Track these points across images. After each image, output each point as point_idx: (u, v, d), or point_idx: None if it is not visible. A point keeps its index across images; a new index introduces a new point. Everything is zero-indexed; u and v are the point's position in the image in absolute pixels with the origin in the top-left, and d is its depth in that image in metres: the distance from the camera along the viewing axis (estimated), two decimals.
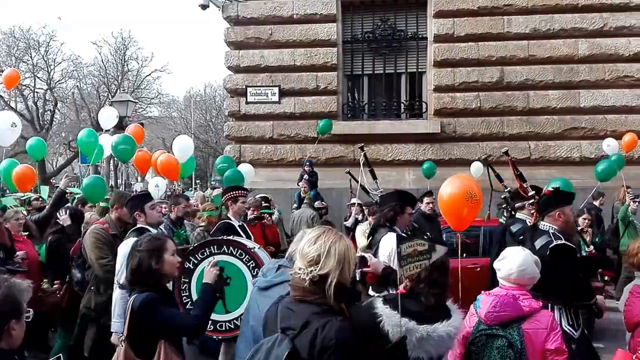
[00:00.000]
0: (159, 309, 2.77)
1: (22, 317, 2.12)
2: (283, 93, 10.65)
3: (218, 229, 4.87)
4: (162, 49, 73.61)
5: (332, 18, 10.63)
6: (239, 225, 4.97)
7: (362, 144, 6.74)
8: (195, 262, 4.00)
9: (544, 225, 3.81)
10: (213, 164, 23.78)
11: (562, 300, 3.54)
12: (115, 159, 10.03)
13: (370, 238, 4.41)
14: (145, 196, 4.57)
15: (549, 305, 3.47)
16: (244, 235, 4.75)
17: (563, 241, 3.63)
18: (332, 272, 2.16)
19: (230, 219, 4.97)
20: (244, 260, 3.94)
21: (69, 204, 6.29)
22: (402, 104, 10.85)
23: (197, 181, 40.40)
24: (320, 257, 2.17)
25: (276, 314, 2.22)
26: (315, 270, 2.15)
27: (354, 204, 8.21)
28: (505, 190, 5.51)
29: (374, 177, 5.86)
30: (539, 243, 3.68)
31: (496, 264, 3.01)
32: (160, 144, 37.61)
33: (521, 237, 4.26)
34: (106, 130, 8.43)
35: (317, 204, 8.69)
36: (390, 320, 2.30)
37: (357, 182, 6.65)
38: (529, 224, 4.44)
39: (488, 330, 2.83)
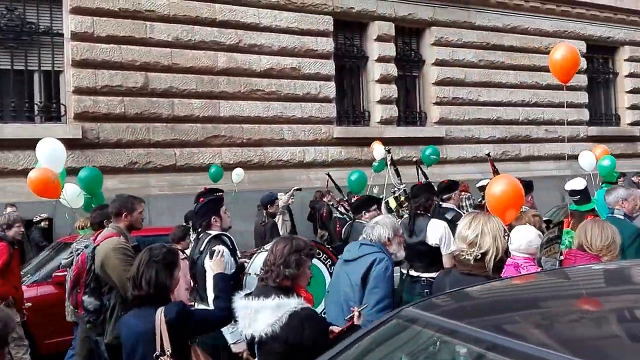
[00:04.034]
0: (191, 313, 2.84)
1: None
2: None
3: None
4: None
5: None
6: None
7: (389, 148, 7.32)
8: None
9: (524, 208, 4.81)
10: None
11: None
12: None
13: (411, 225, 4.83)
14: (220, 199, 4.22)
15: None
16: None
17: None
18: (491, 248, 2.67)
19: None
20: (321, 259, 4.50)
21: None
22: (36, 106, 9.67)
23: None
24: (478, 238, 2.69)
25: (445, 284, 2.84)
26: (476, 250, 2.68)
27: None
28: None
29: (398, 175, 6.62)
30: None
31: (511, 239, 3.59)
32: None
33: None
34: None
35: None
36: None
37: (335, 183, 7.50)
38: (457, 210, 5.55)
39: None
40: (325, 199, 10.68)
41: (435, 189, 5.61)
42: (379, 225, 3.59)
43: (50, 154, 5.47)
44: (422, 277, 4.63)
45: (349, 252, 3.62)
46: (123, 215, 4.15)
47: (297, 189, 9.28)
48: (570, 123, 14.45)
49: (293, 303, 2.58)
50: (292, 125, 11.30)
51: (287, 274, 2.69)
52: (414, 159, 6.98)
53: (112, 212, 4.28)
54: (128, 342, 2.81)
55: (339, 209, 9.20)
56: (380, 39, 12.23)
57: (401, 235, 3.75)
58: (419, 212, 4.92)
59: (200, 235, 4.07)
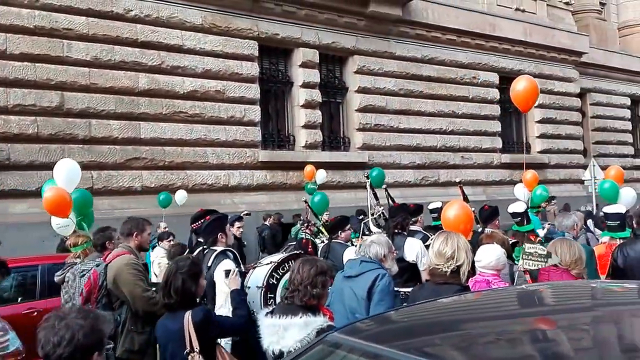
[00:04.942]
0: (215, 318, 3.26)
1: (104, 350, 2.16)
2: None
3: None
4: None
5: None
6: None
7: (367, 173, 7.97)
8: (278, 277, 4.29)
9: (488, 231, 5.40)
10: None
11: None
12: None
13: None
14: (226, 217, 4.52)
15: None
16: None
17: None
18: (465, 261, 3.06)
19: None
20: None
21: None
22: None
23: None
24: (455, 253, 3.04)
25: (420, 296, 3.09)
26: (453, 263, 3.02)
27: None
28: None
29: (377, 199, 7.02)
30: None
31: (477, 257, 3.77)
32: None
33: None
34: None
35: None
36: None
37: (311, 208, 7.76)
38: (424, 232, 5.91)
39: None
40: (267, 222, 10.73)
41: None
42: (375, 244, 3.90)
43: (67, 175, 5.60)
44: (400, 292, 4.79)
45: (351, 268, 3.90)
46: (134, 235, 4.44)
47: (247, 214, 9.27)
48: (484, 150, 15.25)
49: (319, 321, 2.86)
50: (216, 149, 11.20)
51: (314, 294, 2.98)
52: (366, 177, 7.73)
53: (123, 233, 4.55)
54: (161, 341, 3.26)
55: (305, 231, 9.47)
56: (304, 65, 12.44)
57: (394, 252, 4.10)
58: (396, 231, 5.33)
59: (206, 251, 4.25)
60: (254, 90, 11.75)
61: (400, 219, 5.43)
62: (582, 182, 15.83)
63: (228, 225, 4.46)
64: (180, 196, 9.93)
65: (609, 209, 5.52)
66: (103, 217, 9.15)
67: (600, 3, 21.09)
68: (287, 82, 12.58)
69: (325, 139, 12.88)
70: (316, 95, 12.55)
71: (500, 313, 2.48)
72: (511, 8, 15.99)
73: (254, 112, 11.72)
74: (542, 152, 16.65)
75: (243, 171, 11.53)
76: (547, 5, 16.95)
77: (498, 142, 15.66)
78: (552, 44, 16.71)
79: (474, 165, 14.99)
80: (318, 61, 12.66)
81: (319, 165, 11.49)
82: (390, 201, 7.13)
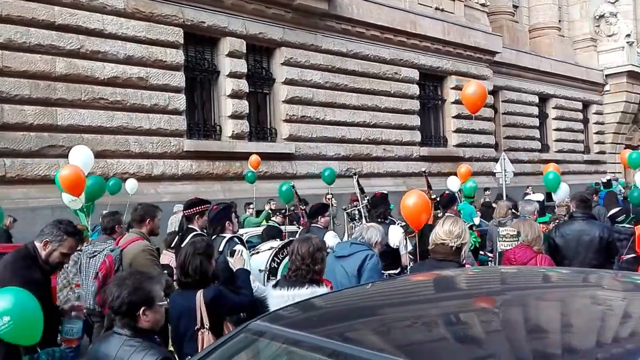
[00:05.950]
0: (225, 296, 3.46)
1: (155, 305, 2.59)
2: None
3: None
4: None
5: None
6: None
7: (355, 170, 8.71)
8: (278, 261, 4.77)
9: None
10: None
11: None
12: None
13: None
14: (231, 206, 4.79)
15: None
16: None
17: None
18: (468, 241, 3.41)
19: (196, 231, 4.82)
20: None
21: None
22: None
23: None
24: (462, 232, 3.37)
25: (422, 268, 3.63)
26: (459, 240, 3.34)
27: None
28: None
29: (363, 192, 7.61)
30: None
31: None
32: None
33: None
34: None
35: None
36: None
37: (297, 195, 8.07)
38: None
39: None
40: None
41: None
42: (373, 229, 4.32)
43: (84, 158, 5.86)
44: (385, 273, 5.12)
45: (342, 249, 4.31)
46: (147, 222, 4.60)
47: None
48: (404, 144, 15.81)
49: (323, 291, 3.21)
50: (139, 137, 10.90)
51: (317, 269, 3.33)
52: (353, 173, 8.38)
53: (135, 219, 4.73)
54: (173, 316, 3.46)
55: (273, 219, 9.83)
56: (231, 54, 12.34)
57: (383, 244, 4.62)
58: (379, 219, 5.84)
59: (214, 238, 4.47)
60: (178, 78, 11.52)
61: (382, 209, 6.07)
62: (493, 174, 16.80)
63: (234, 214, 4.78)
64: (131, 185, 9.69)
65: (529, 199, 6.23)
66: (18, 207, 8.81)
67: (514, 6, 22.33)
68: (213, 71, 12.43)
69: (252, 130, 12.87)
70: (243, 85, 12.50)
71: (421, 298, 2.62)
72: (431, 7, 16.59)
73: (179, 101, 11.51)
74: (458, 145, 17.47)
75: (167, 160, 11.30)
76: (465, 5, 17.72)
77: (417, 136, 16.27)
78: (469, 43, 17.51)
79: (395, 157, 15.51)
80: (245, 51, 12.59)
81: (246, 155, 11.49)
82: (359, 191, 7.73)
